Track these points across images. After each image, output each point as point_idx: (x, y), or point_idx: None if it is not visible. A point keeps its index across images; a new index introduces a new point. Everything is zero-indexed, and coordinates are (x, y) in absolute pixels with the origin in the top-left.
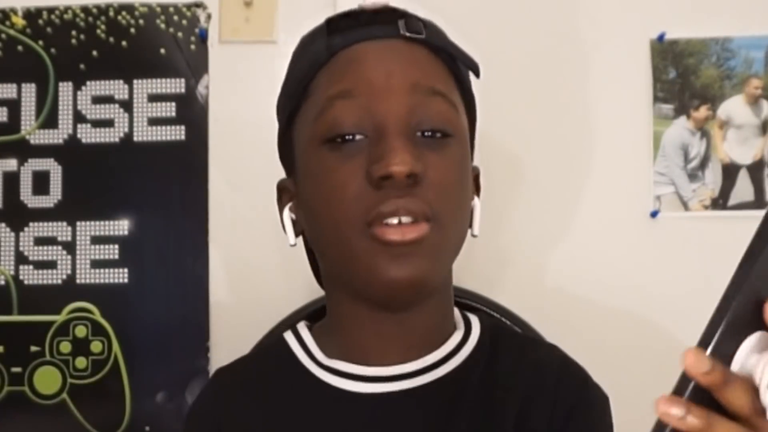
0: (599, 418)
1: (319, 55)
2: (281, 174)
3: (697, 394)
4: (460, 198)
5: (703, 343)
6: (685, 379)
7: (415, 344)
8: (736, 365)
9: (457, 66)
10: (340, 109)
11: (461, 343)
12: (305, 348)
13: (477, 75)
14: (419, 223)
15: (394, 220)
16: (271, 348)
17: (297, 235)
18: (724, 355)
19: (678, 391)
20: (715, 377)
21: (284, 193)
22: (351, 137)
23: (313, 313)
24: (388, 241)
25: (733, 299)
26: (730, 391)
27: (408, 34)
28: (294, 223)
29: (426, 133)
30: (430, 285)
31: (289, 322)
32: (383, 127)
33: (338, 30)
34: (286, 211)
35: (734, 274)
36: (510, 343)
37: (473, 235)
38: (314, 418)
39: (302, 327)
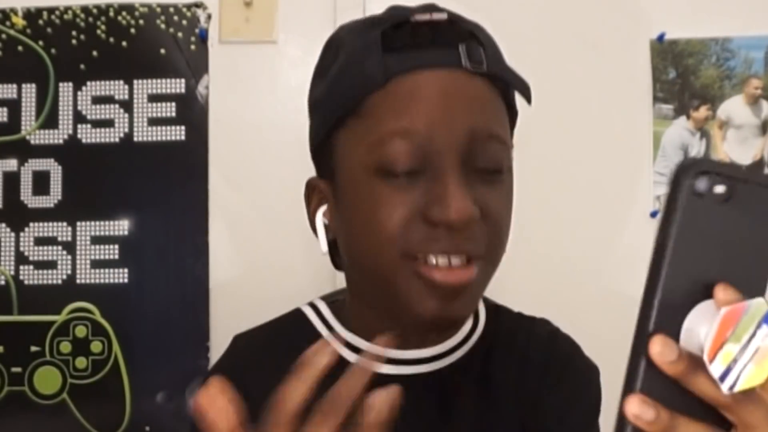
0: (586, 384)
1: (375, 76)
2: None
3: (650, 383)
4: (509, 229)
5: (641, 326)
6: (634, 369)
7: (432, 337)
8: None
9: (508, 87)
10: (399, 147)
11: (472, 329)
12: (324, 321)
13: (529, 102)
14: (468, 267)
15: (444, 259)
16: (289, 319)
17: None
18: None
19: (629, 384)
20: (683, 366)
21: (314, 193)
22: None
23: None
24: (434, 282)
25: (660, 276)
26: (699, 379)
27: (470, 67)
28: (326, 228)
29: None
30: (468, 316)
31: None
32: (441, 166)
33: (394, 49)
34: (319, 215)
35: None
36: (508, 322)
37: None
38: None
39: (319, 301)
